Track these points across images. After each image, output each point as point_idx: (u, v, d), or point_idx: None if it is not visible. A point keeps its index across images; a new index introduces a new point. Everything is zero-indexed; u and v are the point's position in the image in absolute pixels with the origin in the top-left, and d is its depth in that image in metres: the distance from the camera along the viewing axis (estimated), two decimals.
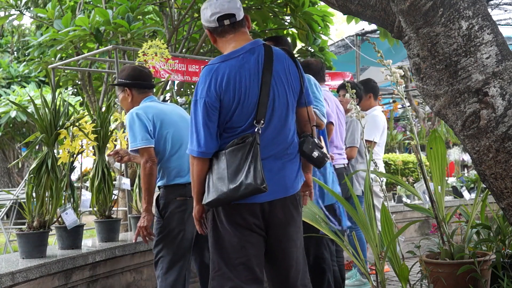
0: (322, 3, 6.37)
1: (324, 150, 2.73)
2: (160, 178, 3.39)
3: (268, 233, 2.55)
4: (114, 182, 4.36)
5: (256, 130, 2.44)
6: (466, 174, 8.42)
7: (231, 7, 2.52)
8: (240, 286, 2.47)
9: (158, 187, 3.43)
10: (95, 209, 4.17)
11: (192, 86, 7.80)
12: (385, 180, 4.81)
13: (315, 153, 2.61)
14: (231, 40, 2.55)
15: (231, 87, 2.44)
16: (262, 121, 2.45)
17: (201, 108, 2.44)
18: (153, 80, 3.75)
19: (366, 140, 3.92)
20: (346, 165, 4.40)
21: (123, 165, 4.78)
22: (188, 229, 3.34)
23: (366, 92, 5.27)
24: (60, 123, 3.81)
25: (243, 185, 2.37)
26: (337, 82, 6.32)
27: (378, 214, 3.90)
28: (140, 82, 3.49)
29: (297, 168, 2.62)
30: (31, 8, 7.62)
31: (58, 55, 6.64)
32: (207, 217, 2.58)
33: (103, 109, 4.36)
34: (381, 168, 5.19)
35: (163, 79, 5.31)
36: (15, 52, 14.95)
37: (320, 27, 6.92)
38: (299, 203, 2.62)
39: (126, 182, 4.53)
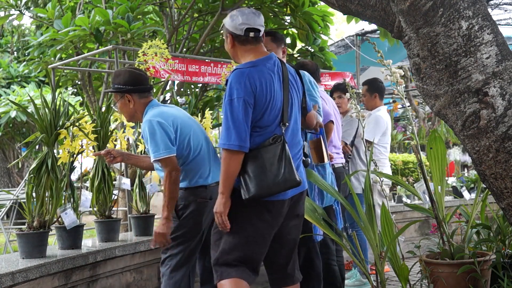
0: (322, 3, 6.37)
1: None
2: (182, 179, 3.32)
3: (282, 224, 2.80)
4: (114, 182, 4.35)
5: (283, 131, 2.70)
6: (466, 174, 8.42)
7: (259, 23, 2.80)
8: (258, 262, 2.76)
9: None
10: (95, 209, 4.16)
11: (192, 86, 7.80)
12: (390, 182, 4.80)
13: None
14: (250, 50, 2.81)
15: (264, 89, 2.68)
16: (287, 123, 2.73)
17: (240, 106, 2.63)
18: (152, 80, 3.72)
19: (366, 140, 3.92)
20: (344, 164, 4.42)
21: (123, 165, 4.78)
22: (201, 231, 3.36)
23: (371, 91, 5.24)
24: (60, 123, 3.80)
25: (284, 180, 2.63)
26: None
27: (378, 211, 3.92)
28: (141, 87, 3.39)
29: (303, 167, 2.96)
30: (31, 8, 7.62)
31: (58, 55, 6.64)
32: (230, 212, 2.71)
33: (103, 109, 4.36)
34: (387, 169, 5.16)
35: (163, 79, 5.31)
36: (15, 52, 14.92)
37: (320, 27, 6.91)
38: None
39: (126, 182, 4.53)
